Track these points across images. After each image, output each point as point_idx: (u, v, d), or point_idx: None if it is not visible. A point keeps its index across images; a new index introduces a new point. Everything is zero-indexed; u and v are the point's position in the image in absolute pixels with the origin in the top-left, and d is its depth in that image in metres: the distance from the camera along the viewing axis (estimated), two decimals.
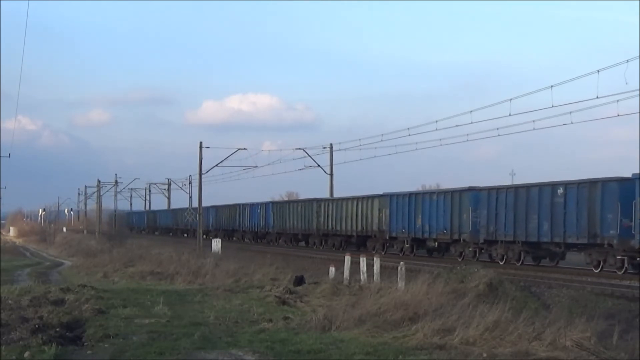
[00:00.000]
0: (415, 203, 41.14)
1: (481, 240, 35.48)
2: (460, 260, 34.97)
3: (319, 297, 21.18)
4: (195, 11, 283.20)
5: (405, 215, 41.75)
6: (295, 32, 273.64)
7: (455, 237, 37.60)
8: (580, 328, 12.93)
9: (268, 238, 64.43)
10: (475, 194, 36.67)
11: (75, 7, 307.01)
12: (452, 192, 38.79)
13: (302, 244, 58.60)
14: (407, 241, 41.65)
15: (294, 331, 15.34)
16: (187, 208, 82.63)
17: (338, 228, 50.15)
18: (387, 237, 43.59)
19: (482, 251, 35.82)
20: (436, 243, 39.64)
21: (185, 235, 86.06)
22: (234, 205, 73.21)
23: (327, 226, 51.84)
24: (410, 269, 24.33)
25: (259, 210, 65.71)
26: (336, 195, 58.68)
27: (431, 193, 42.12)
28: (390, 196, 43.88)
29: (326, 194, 59.92)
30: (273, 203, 64.77)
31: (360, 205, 47.38)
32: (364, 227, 46.65)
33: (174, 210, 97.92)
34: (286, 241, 60.13)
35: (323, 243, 52.94)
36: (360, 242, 47.95)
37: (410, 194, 42.82)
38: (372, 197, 46.63)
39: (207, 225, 77.42)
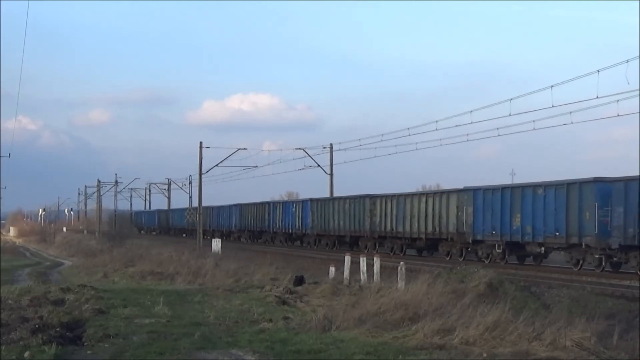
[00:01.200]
0: (512, 199, 34.15)
1: (614, 246, 28.19)
2: (576, 269, 30.19)
3: (319, 297, 21.18)
4: (196, 11, 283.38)
5: (496, 214, 34.82)
6: (296, 32, 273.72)
7: (574, 240, 30.48)
8: (580, 328, 12.93)
9: (305, 240, 57.44)
10: (603, 187, 29.25)
11: (75, 7, 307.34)
12: (568, 185, 31.06)
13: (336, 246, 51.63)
14: (498, 246, 34.90)
15: (294, 331, 15.33)
16: (210, 207, 77.97)
17: (400, 229, 43.04)
18: (469, 241, 36.58)
19: (614, 259, 28.90)
20: (542, 248, 32.76)
21: (206, 237, 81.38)
22: (263, 204, 65.54)
23: (385, 227, 44.63)
24: (410, 269, 24.33)
25: (293, 209, 58.10)
26: (336, 195, 58.45)
27: (535, 186, 33.42)
28: (474, 191, 36.93)
29: (326, 194, 59.86)
30: (313, 200, 55.17)
31: (431, 202, 40.39)
32: (436, 229, 39.77)
33: (189, 209, 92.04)
34: (328, 244, 52.31)
35: (377, 246, 45.13)
36: (429, 246, 41.88)
37: (503, 188, 35.55)
38: (447, 193, 40.12)
39: (230, 226, 73.19)
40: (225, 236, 71.90)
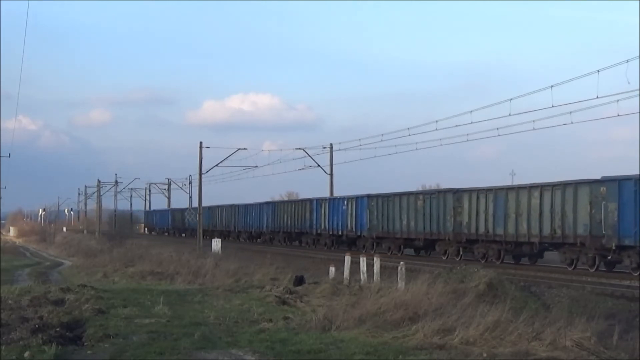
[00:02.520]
0: None
1: None
2: None
3: (319, 297, 21.17)
4: (196, 11, 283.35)
5: None
6: (297, 32, 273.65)
7: None
8: (580, 328, 12.93)
9: (359, 244, 47.43)
10: None
11: (75, 7, 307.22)
12: None
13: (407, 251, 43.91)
14: None
15: (294, 331, 15.33)
16: (235, 205, 71.97)
17: (499, 231, 34.99)
18: (612, 246, 28.23)
19: None
20: None
21: (227, 238, 71.69)
22: (304, 201, 57.20)
23: (476, 228, 36.53)
24: (410, 269, 24.33)
25: (344, 207, 49.11)
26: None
27: None
28: (619, 181, 28.44)
29: (326, 194, 59.81)
30: (371, 197, 46.44)
31: (548, 197, 32.38)
32: (557, 230, 31.70)
33: (212, 208, 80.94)
34: (391, 248, 43.78)
35: (461, 252, 37.73)
36: (542, 252, 34.67)
37: None
38: (573, 184, 31.12)
39: (260, 227, 65.33)
40: (254, 238, 67.47)
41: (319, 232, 53.18)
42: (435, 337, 13.66)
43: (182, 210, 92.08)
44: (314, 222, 53.82)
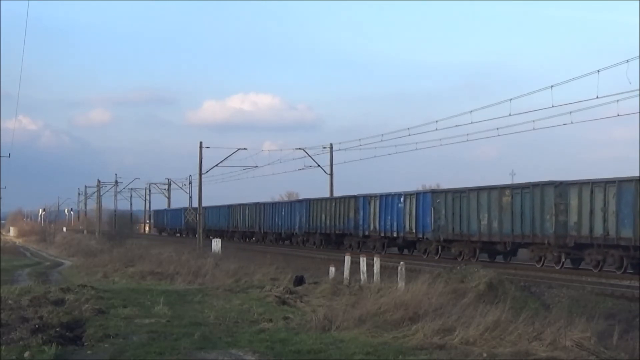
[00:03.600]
0: None
1: None
2: None
3: (319, 297, 21.17)
4: (196, 11, 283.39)
5: None
6: (297, 32, 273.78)
7: None
8: (580, 328, 12.93)
9: (420, 247, 40.63)
10: None
11: (75, 7, 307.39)
12: None
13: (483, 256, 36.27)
14: None
15: (294, 331, 15.33)
16: (262, 203, 64.69)
17: (626, 233, 27.43)
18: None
19: None
20: None
21: (248, 240, 66.38)
22: (346, 199, 48.90)
23: (589, 228, 29.18)
24: (410, 269, 24.33)
25: (400, 204, 41.81)
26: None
27: None
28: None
29: (326, 194, 59.76)
30: (437, 193, 40.22)
31: None
32: None
33: (233, 207, 72.60)
34: (463, 253, 36.38)
35: (564, 259, 31.06)
36: None
37: None
38: None
39: (291, 227, 57.21)
40: (283, 240, 60.38)
41: (366, 233, 45.12)
42: (435, 337, 13.66)
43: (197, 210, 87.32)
44: (361, 223, 45.73)
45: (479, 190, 36.11)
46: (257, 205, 65.46)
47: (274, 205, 62.80)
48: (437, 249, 38.74)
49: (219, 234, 71.18)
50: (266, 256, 35.91)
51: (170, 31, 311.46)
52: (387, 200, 43.50)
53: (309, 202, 54.52)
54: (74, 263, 52.35)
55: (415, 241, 41.37)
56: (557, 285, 23.79)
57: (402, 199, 42.00)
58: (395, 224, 42.52)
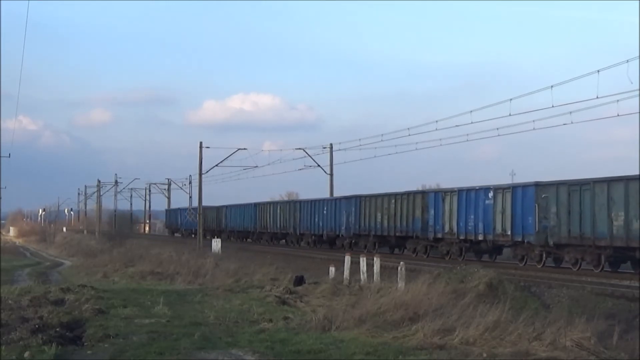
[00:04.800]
0: None
1: None
2: None
3: (319, 297, 21.18)
4: (197, 11, 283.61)
5: None
6: (298, 32, 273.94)
7: None
8: (580, 328, 12.93)
9: (518, 253, 32.56)
10: None
11: (75, 7, 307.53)
12: None
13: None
14: None
15: (294, 331, 15.33)
16: (293, 201, 58.58)
17: None
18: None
19: None
20: None
21: (277, 242, 59.44)
22: (411, 195, 41.25)
23: None
24: (410, 269, 24.32)
25: (488, 200, 34.54)
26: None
27: None
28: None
29: (326, 194, 59.71)
30: (543, 186, 31.27)
31: None
32: None
33: (261, 205, 64.33)
34: (579, 260, 29.13)
35: None
36: None
37: None
38: None
39: (336, 228, 48.91)
40: (324, 242, 51.30)
41: (438, 236, 37.61)
42: (435, 337, 13.66)
43: (217, 209, 75.75)
44: (431, 223, 38.18)
45: (609, 181, 28.07)
46: (291, 203, 58.04)
47: (313, 203, 53.28)
48: (541, 256, 30.98)
49: (243, 235, 66.87)
50: (266, 256, 35.93)
51: (170, 31, 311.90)
52: (468, 195, 36.07)
53: (359, 198, 46.01)
54: (74, 263, 52.41)
55: (509, 245, 33.67)
56: (557, 285, 23.77)
57: (490, 194, 34.63)
58: (480, 224, 34.76)
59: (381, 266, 23.82)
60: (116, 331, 15.17)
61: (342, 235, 48.11)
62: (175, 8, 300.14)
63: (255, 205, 64.26)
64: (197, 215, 58.24)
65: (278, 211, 59.31)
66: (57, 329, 14.91)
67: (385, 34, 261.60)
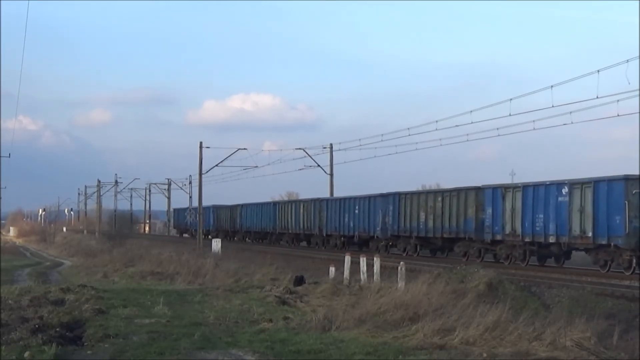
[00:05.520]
0: None
1: None
2: None
3: (319, 297, 21.17)
4: (197, 11, 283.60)
5: None
6: (298, 32, 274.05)
7: None
8: (580, 328, 12.93)
9: (600, 257, 28.84)
10: None
11: (75, 7, 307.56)
12: None
13: None
14: None
15: (294, 331, 15.33)
16: (319, 199, 52.25)
17: None
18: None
19: None
20: None
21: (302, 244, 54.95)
22: (462, 191, 36.76)
23: None
24: (410, 269, 24.32)
25: (562, 197, 30.27)
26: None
27: None
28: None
29: (326, 194, 59.65)
30: (631, 179, 27.67)
31: None
32: None
33: (282, 204, 60.63)
34: None
35: None
36: None
37: None
38: None
39: (369, 228, 44.46)
40: (354, 245, 46.76)
41: (497, 238, 33.65)
42: (435, 337, 13.66)
43: (230, 208, 71.57)
44: (488, 223, 34.09)
45: None
46: (317, 201, 52.23)
47: (343, 201, 48.64)
48: (631, 261, 27.26)
49: (260, 236, 63.56)
50: (266, 256, 35.89)
51: (170, 31, 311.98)
52: (536, 192, 31.73)
53: (398, 196, 41.64)
54: (74, 263, 52.41)
55: (590, 249, 29.52)
56: (557, 285, 23.77)
57: (565, 190, 30.14)
58: (551, 225, 30.56)
59: (381, 266, 23.82)
60: (116, 331, 15.17)
61: (377, 237, 43.64)
62: (175, 8, 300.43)
63: (275, 204, 60.88)
64: (197, 215, 58.18)
65: (301, 210, 54.73)
66: (57, 329, 14.90)
67: (385, 34, 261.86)
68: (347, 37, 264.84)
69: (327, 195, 58.53)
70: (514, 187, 33.41)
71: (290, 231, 56.84)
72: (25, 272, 44.23)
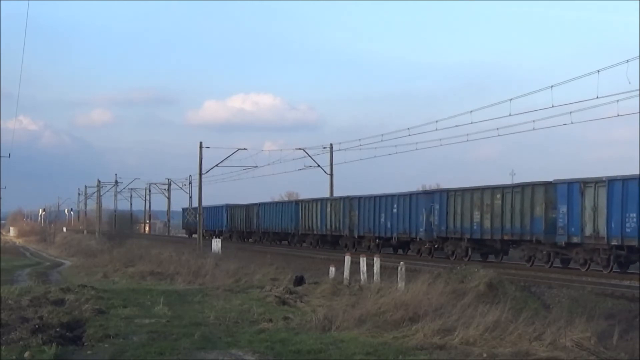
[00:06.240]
0: None
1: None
2: None
3: (319, 297, 21.17)
4: (197, 11, 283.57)
5: None
6: (299, 32, 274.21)
7: None
8: (580, 328, 12.93)
9: None
10: None
11: (76, 7, 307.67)
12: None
13: None
14: None
15: (294, 331, 15.33)
16: (349, 197, 47.31)
17: None
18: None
19: None
20: None
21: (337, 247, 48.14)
22: (528, 186, 32.23)
23: None
24: (410, 269, 24.32)
25: None
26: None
27: None
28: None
29: (326, 194, 59.63)
30: None
31: None
32: None
33: (306, 202, 54.63)
34: None
35: None
36: None
37: None
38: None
39: (410, 230, 39.76)
40: (392, 246, 42.95)
41: (574, 240, 29.00)
42: (435, 337, 13.66)
43: (246, 208, 67.06)
44: (561, 224, 29.54)
45: None
46: (347, 199, 47.67)
47: (378, 199, 43.79)
48: None
49: (280, 237, 59.56)
50: (266, 256, 35.91)
51: (170, 31, 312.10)
52: (626, 186, 26.90)
53: (446, 193, 37.65)
54: (74, 263, 52.43)
55: None
56: (557, 285, 23.78)
57: None
58: None
59: (381, 266, 23.82)
60: (116, 331, 15.16)
61: (419, 239, 39.19)
62: (175, 8, 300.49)
63: (298, 202, 56.32)
64: (197, 215, 58.17)
65: (328, 209, 49.84)
66: (57, 329, 14.90)
67: (385, 34, 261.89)
68: (347, 37, 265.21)
69: (327, 195, 58.49)
70: (596, 182, 28.47)
71: (315, 232, 51.88)
72: (25, 272, 44.26)
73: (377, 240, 43.37)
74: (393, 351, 12.92)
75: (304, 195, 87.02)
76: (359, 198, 46.30)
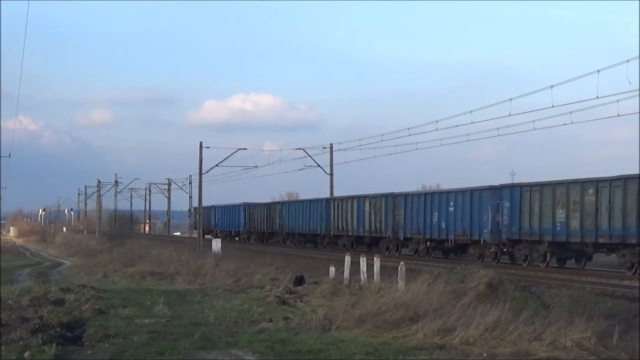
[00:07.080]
0: None
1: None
2: None
3: (319, 297, 21.18)
4: (197, 11, 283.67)
5: None
6: (299, 32, 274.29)
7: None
8: (580, 328, 12.93)
9: None
10: None
11: (76, 7, 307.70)
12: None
13: None
14: None
15: (294, 331, 15.33)
16: (392, 194, 42.03)
17: None
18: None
19: None
20: None
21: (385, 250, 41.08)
22: (622, 180, 26.88)
23: None
24: (410, 269, 24.31)
25: None
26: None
27: None
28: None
29: (326, 194, 59.57)
30: None
31: None
32: None
33: (339, 200, 49.09)
34: None
35: None
36: None
37: None
38: None
39: (471, 231, 34.83)
40: (447, 250, 37.96)
41: None
42: (435, 337, 13.66)
43: (267, 207, 62.32)
44: None
45: None
46: (390, 197, 42.19)
47: (431, 196, 39.04)
48: None
49: (307, 239, 53.92)
50: (266, 256, 35.90)
51: (170, 31, 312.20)
52: None
53: (519, 188, 32.20)
54: (74, 263, 52.43)
55: None
56: (557, 285, 23.77)
57: None
58: None
59: (381, 266, 23.82)
60: (116, 331, 15.17)
61: (483, 241, 34.04)
62: (175, 8, 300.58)
63: (328, 201, 50.72)
64: (197, 215, 58.15)
65: (366, 208, 44.50)
66: (57, 329, 14.90)
67: (385, 34, 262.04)
68: (347, 37, 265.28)
69: (327, 195, 58.40)
70: None
71: (350, 233, 46.36)
72: (25, 272, 44.28)
73: (427, 243, 38.59)
74: (393, 351, 12.92)
75: (304, 195, 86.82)
76: (405, 195, 41.59)
